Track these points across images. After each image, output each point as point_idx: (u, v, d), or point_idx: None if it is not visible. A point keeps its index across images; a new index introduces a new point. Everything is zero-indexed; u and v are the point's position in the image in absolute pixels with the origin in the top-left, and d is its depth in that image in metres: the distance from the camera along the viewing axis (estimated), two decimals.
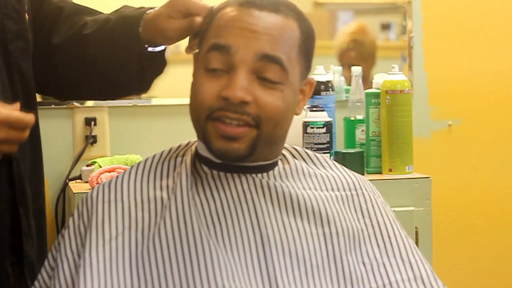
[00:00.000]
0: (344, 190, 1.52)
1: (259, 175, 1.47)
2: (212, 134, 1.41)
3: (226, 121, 1.40)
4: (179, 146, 1.55)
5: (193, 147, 1.52)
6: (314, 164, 1.55)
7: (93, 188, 1.50)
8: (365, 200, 1.51)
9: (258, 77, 1.40)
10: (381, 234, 1.48)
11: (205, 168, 1.47)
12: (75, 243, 1.44)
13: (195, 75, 1.46)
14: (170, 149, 1.55)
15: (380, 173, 2.35)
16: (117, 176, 1.50)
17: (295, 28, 1.44)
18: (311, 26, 1.49)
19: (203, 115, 1.41)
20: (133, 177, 1.49)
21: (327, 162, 1.57)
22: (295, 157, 1.55)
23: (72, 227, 1.46)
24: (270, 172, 1.48)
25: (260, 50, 1.39)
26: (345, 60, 2.79)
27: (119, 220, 1.42)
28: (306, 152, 1.57)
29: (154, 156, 1.53)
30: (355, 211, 1.50)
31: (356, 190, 1.53)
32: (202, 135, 1.43)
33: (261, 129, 1.41)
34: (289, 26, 1.44)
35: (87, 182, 2.29)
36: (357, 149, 2.38)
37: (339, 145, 2.45)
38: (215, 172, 1.47)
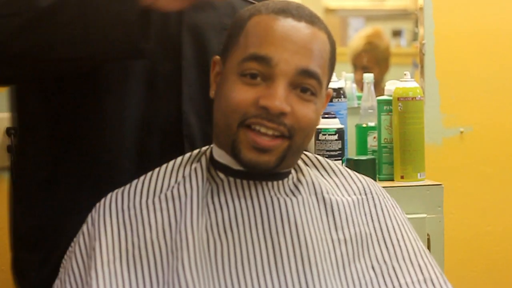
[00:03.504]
0: (355, 194, 1.52)
1: (275, 182, 1.47)
2: (243, 143, 1.40)
3: (261, 130, 1.39)
4: (199, 151, 1.54)
5: (208, 153, 1.51)
6: (326, 171, 1.56)
7: (105, 197, 1.49)
8: (374, 204, 1.52)
9: (294, 89, 1.40)
10: (390, 238, 1.48)
11: (221, 175, 1.47)
12: (85, 250, 1.44)
13: (225, 80, 1.44)
14: (191, 154, 1.54)
15: (392, 180, 2.34)
16: (131, 183, 1.50)
17: (326, 40, 1.45)
18: (333, 37, 1.49)
19: (236, 121, 1.40)
20: (147, 183, 1.48)
21: (338, 167, 1.57)
22: (306, 164, 1.55)
23: (82, 238, 1.46)
24: (285, 180, 1.49)
25: (300, 65, 1.39)
26: (359, 63, 2.80)
27: (128, 233, 1.42)
28: (317, 159, 1.57)
29: (174, 161, 1.52)
30: (365, 215, 1.50)
31: (366, 194, 1.53)
32: (231, 143, 1.41)
33: (293, 140, 1.41)
34: (323, 39, 1.44)
35: None
36: (369, 156, 2.37)
37: (351, 152, 2.45)
38: (231, 179, 1.46)
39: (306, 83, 1.40)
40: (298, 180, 1.50)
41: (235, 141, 1.41)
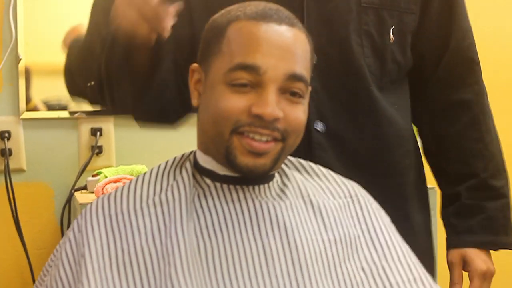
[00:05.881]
0: (340, 198, 1.53)
1: (261, 186, 1.47)
2: (237, 149, 1.40)
3: (256, 137, 1.39)
4: (182, 156, 1.54)
5: (191, 158, 1.51)
6: (309, 174, 1.57)
7: (93, 201, 1.49)
8: (361, 207, 1.52)
9: (284, 93, 1.41)
10: (378, 239, 1.49)
11: (207, 180, 1.47)
12: (72, 257, 1.43)
13: (211, 88, 1.43)
14: (174, 159, 1.54)
15: None
16: (117, 189, 1.49)
17: (306, 40, 1.45)
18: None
19: (228, 128, 1.39)
20: (133, 189, 1.48)
21: (322, 170, 1.58)
22: (288, 167, 1.56)
23: (68, 244, 1.44)
24: (271, 184, 1.49)
25: (288, 70, 1.39)
26: None
27: (117, 240, 1.41)
28: (300, 162, 1.58)
29: (158, 167, 1.53)
30: (351, 217, 1.50)
31: (351, 197, 1.54)
32: (225, 149, 1.41)
33: (286, 141, 1.42)
34: (304, 40, 1.44)
35: (93, 192, 2.29)
36: None
37: None
38: (217, 184, 1.46)
39: (295, 87, 1.41)
40: (283, 183, 1.50)
41: (229, 147, 1.40)
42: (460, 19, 1.89)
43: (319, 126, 1.74)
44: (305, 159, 1.62)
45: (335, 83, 1.74)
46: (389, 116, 1.78)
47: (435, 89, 1.90)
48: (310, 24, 1.71)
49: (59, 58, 2.08)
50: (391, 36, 1.79)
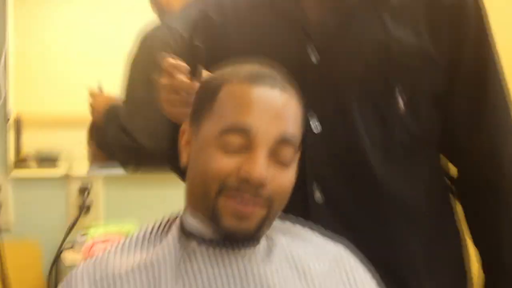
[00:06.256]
0: (325, 262, 1.52)
1: (247, 250, 1.48)
2: (222, 210, 1.40)
3: (242, 201, 1.40)
4: (168, 219, 1.54)
5: (178, 221, 1.51)
6: (294, 237, 1.57)
7: (77, 267, 1.48)
8: (346, 272, 1.52)
9: (273, 157, 1.42)
10: None
11: (193, 244, 1.47)
12: None
13: (201, 149, 1.43)
14: (161, 222, 1.54)
15: None
16: (103, 253, 1.49)
17: (297, 105, 1.46)
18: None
19: (215, 189, 1.39)
20: (119, 253, 1.47)
21: (308, 234, 1.58)
22: (274, 230, 1.55)
23: None
24: (257, 247, 1.49)
25: (279, 134, 1.40)
26: None
27: None
28: (286, 225, 1.57)
29: (145, 230, 1.52)
30: (336, 282, 1.50)
31: (337, 261, 1.53)
32: (211, 211, 1.40)
33: (272, 207, 1.42)
34: (295, 104, 1.45)
35: (80, 252, 2.29)
36: None
37: None
38: (203, 247, 1.46)
39: (284, 151, 1.41)
40: (269, 247, 1.50)
41: (215, 208, 1.40)
42: (495, 77, 1.67)
43: (317, 196, 1.67)
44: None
45: (337, 153, 1.65)
46: (390, 191, 1.65)
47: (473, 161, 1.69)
48: (314, 90, 1.64)
49: (51, 109, 2.09)
50: (401, 104, 1.61)
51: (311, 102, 1.54)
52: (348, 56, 1.60)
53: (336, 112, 1.62)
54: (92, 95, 2.84)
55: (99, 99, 2.88)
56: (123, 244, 1.49)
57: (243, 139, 1.39)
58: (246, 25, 1.68)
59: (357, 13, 1.62)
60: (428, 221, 1.69)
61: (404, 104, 1.60)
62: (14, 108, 2.57)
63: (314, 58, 1.61)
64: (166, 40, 2.40)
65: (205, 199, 1.41)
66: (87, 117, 2.47)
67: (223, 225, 1.40)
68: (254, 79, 1.42)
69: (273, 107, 1.41)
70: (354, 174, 1.63)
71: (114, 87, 2.34)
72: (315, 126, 1.57)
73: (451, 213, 1.71)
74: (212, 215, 1.40)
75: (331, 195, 1.65)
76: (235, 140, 1.39)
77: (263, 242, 1.51)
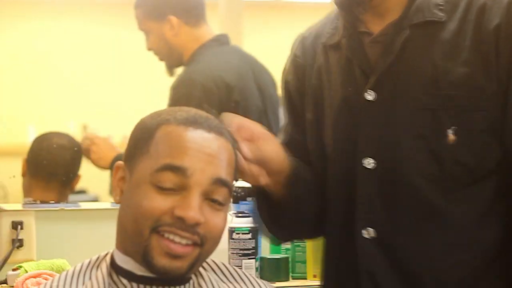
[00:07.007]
0: None
1: (178, 287, 1.49)
2: (155, 249, 1.41)
3: (175, 240, 1.41)
4: (98, 257, 1.54)
5: (108, 258, 1.52)
6: (225, 276, 1.58)
7: None
8: None
9: (207, 198, 1.44)
10: None
11: (124, 281, 1.48)
12: None
13: (135, 187, 1.44)
14: (90, 260, 1.54)
15: (305, 278, 2.38)
16: None
17: (232, 150, 1.50)
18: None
19: (148, 227, 1.41)
20: None
21: (237, 272, 1.60)
22: (205, 269, 1.57)
23: None
24: (187, 285, 1.51)
25: (214, 175, 1.43)
26: None
27: None
28: (216, 263, 1.59)
29: (74, 268, 1.51)
30: None
31: None
32: (143, 249, 1.42)
33: (204, 247, 1.44)
34: (230, 149, 1.49)
35: (12, 287, 2.27)
36: (283, 255, 2.41)
37: (265, 251, 2.48)
38: (134, 284, 1.47)
39: (219, 192, 1.44)
40: (199, 285, 1.52)
41: (147, 247, 1.42)
42: None
43: (368, 231, 1.63)
44: (349, 268, 1.64)
45: (389, 188, 1.63)
46: (447, 222, 1.61)
47: None
48: (366, 129, 1.64)
49: None
50: (451, 136, 1.59)
51: (365, 139, 1.59)
52: (400, 93, 1.62)
53: (388, 147, 1.62)
54: (95, 141, 2.80)
55: (104, 146, 2.84)
56: (53, 282, 1.48)
57: (178, 179, 1.41)
58: (322, 67, 1.73)
59: (407, 51, 1.61)
60: (482, 248, 1.65)
61: (454, 135, 1.59)
62: None
63: (369, 97, 1.63)
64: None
65: (138, 237, 1.42)
66: (21, 149, 2.46)
67: (156, 264, 1.41)
68: (191, 122, 1.45)
69: (209, 149, 1.44)
70: (407, 207, 1.61)
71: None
72: (368, 162, 1.60)
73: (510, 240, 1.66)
74: (144, 254, 1.41)
75: (382, 231, 1.62)
76: (170, 178, 1.41)
77: (193, 279, 1.52)
